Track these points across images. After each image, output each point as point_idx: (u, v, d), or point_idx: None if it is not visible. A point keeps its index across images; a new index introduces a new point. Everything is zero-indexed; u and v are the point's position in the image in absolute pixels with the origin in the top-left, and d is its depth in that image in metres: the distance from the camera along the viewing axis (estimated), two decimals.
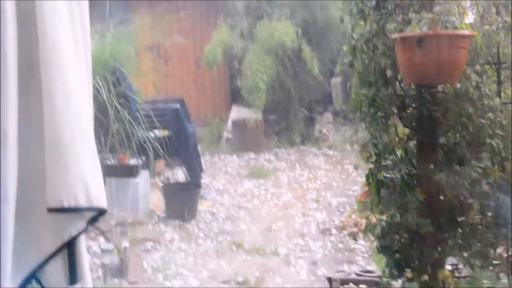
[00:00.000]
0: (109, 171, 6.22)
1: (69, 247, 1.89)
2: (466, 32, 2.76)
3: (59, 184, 1.76)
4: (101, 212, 1.91)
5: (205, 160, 9.23)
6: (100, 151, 6.21)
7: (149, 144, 6.74)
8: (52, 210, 1.77)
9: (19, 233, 1.78)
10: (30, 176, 1.82)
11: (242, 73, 9.86)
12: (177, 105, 7.52)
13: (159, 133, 7.25)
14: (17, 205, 1.75)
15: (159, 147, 6.89)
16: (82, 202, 1.78)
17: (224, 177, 8.53)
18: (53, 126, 1.75)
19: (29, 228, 1.84)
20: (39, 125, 1.78)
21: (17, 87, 1.72)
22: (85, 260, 1.96)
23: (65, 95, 1.76)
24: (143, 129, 6.80)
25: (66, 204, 1.75)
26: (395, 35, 2.82)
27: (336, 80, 11.06)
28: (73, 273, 1.90)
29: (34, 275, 1.89)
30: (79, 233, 1.87)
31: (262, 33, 9.79)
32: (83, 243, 1.93)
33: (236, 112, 10.53)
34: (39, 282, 1.91)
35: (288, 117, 10.84)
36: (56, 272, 1.89)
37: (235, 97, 11.05)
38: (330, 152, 9.92)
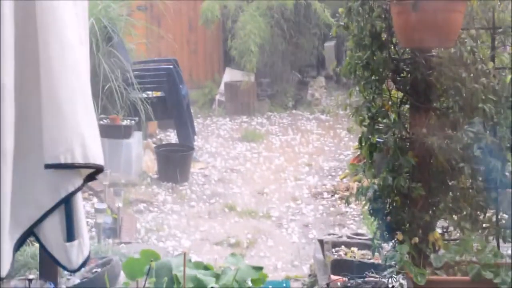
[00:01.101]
0: (102, 132, 6.17)
1: (66, 204, 1.91)
2: None
3: (56, 140, 1.77)
4: (98, 170, 1.93)
5: (197, 123, 9.23)
6: None
7: (141, 105, 6.74)
8: (49, 166, 1.79)
9: (17, 189, 1.80)
10: (27, 131, 1.83)
11: (235, 34, 9.78)
12: (170, 66, 7.48)
13: (152, 94, 7.24)
14: (15, 161, 1.77)
15: (152, 108, 6.89)
16: (79, 159, 1.80)
17: (216, 140, 8.54)
18: (49, 79, 1.76)
19: (26, 184, 1.86)
20: (36, 79, 1.78)
21: (14, 39, 1.72)
22: (82, 218, 1.98)
23: (61, 46, 1.76)
24: (135, 89, 6.79)
25: (63, 160, 1.77)
26: None
27: (330, 44, 11.00)
28: (70, 230, 1.93)
29: (31, 231, 1.91)
30: (76, 190, 1.89)
31: None
32: (80, 201, 1.96)
33: (229, 75, 10.48)
34: (37, 238, 1.94)
35: (281, 81, 10.81)
36: (53, 228, 1.92)
37: (229, 59, 10.99)
38: (323, 117, 9.93)
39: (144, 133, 7.10)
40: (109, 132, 6.27)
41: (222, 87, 10.29)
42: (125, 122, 6.52)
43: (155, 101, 7.10)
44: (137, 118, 6.68)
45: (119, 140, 6.32)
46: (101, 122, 6.37)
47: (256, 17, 9.54)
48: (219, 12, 9.68)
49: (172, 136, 8.33)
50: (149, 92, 7.27)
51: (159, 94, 7.36)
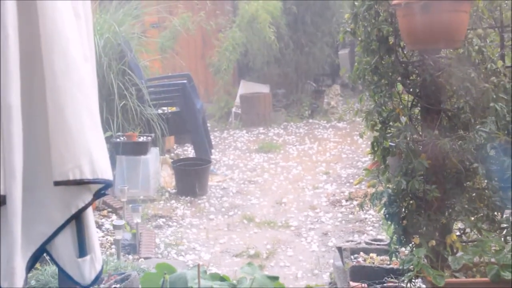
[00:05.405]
0: (119, 149, 6.26)
1: (77, 220, 1.93)
2: None
3: (64, 157, 1.79)
4: (107, 185, 1.95)
5: (214, 136, 9.27)
6: (107, 129, 6.25)
7: (157, 121, 6.78)
8: (58, 183, 1.81)
9: (28, 207, 1.82)
10: (36, 149, 1.85)
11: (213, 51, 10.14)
12: (184, 81, 7.52)
13: (167, 109, 7.29)
14: (24, 179, 1.79)
15: (168, 123, 6.93)
16: (88, 175, 1.81)
17: (233, 152, 8.56)
18: (55, 96, 1.78)
19: (37, 201, 1.88)
20: (42, 97, 1.81)
21: (19, 60, 1.75)
22: (94, 233, 1.99)
23: (66, 64, 1.78)
24: (150, 106, 6.84)
25: (71, 177, 1.79)
26: (396, 1, 2.81)
27: (344, 52, 11.01)
28: (82, 246, 1.94)
29: (44, 248, 1.93)
30: (86, 206, 1.90)
31: (243, 7, 9.83)
32: (91, 216, 1.97)
33: (244, 87, 10.53)
34: (49, 255, 1.95)
35: (296, 91, 10.85)
36: (65, 245, 1.93)
37: (243, 72, 11.07)
38: (339, 124, 9.92)
39: (161, 148, 7.12)
40: (126, 149, 6.31)
41: (237, 99, 10.33)
42: (141, 139, 6.56)
43: (171, 117, 7.15)
44: (153, 134, 6.72)
45: (136, 157, 6.35)
46: (118, 139, 6.41)
47: (236, 32, 9.66)
48: (173, 42, 9.76)
49: (189, 151, 8.37)
50: (164, 108, 7.32)
51: (174, 109, 7.41)
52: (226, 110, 10.39)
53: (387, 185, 3.21)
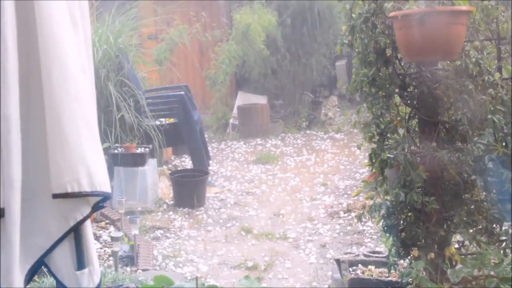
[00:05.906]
0: (117, 160, 6.26)
1: (76, 233, 1.92)
2: (464, 7, 2.76)
3: (62, 169, 1.79)
4: (105, 197, 1.94)
5: (212, 147, 9.27)
6: (105, 140, 6.25)
7: (154, 132, 6.78)
8: (56, 195, 1.80)
9: (26, 220, 1.82)
10: (34, 161, 1.85)
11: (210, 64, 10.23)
12: (182, 92, 7.53)
13: (165, 120, 7.29)
14: (23, 192, 1.78)
15: (165, 135, 6.92)
16: (86, 187, 1.81)
17: (231, 164, 8.55)
18: (53, 108, 1.78)
19: (35, 214, 1.88)
20: (40, 109, 1.80)
21: (18, 72, 1.75)
22: (92, 245, 1.99)
23: (63, 76, 1.78)
24: (148, 117, 6.84)
25: (69, 189, 1.79)
26: (393, 13, 2.82)
27: (341, 63, 11.03)
28: (80, 258, 1.94)
29: (42, 261, 1.92)
30: (85, 218, 1.90)
31: (238, 20, 9.89)
32: (89, 228, 1.97)
33: (242, 99, 10.54)
34: (47, 267, 1.94)
35: (293, 102, 10.86)
36: (63, 257, 1.93)
37: (240, 83, 11.09)
38: (337, 136, 9.92)
39: (159, 160, 7.12)
40: (124, 160, 6.31)
41: (235, 110, 10.34)
42: (139, 150, 6.55)
43: (168, 128, 7.14)
44: (151, 146, 6.71)
45: (134, 168, 6.34)
46: (116, 151, 6.41)
47: (232, 45, 9.72)
48: (169, 52, 9.78)
49: (187, 162, 8.36)
50: (162, 119, 7.32)
51: (172, 120, 7.41)
52: (224, 121, 10.40)
53: (385, 197, 3.21)
